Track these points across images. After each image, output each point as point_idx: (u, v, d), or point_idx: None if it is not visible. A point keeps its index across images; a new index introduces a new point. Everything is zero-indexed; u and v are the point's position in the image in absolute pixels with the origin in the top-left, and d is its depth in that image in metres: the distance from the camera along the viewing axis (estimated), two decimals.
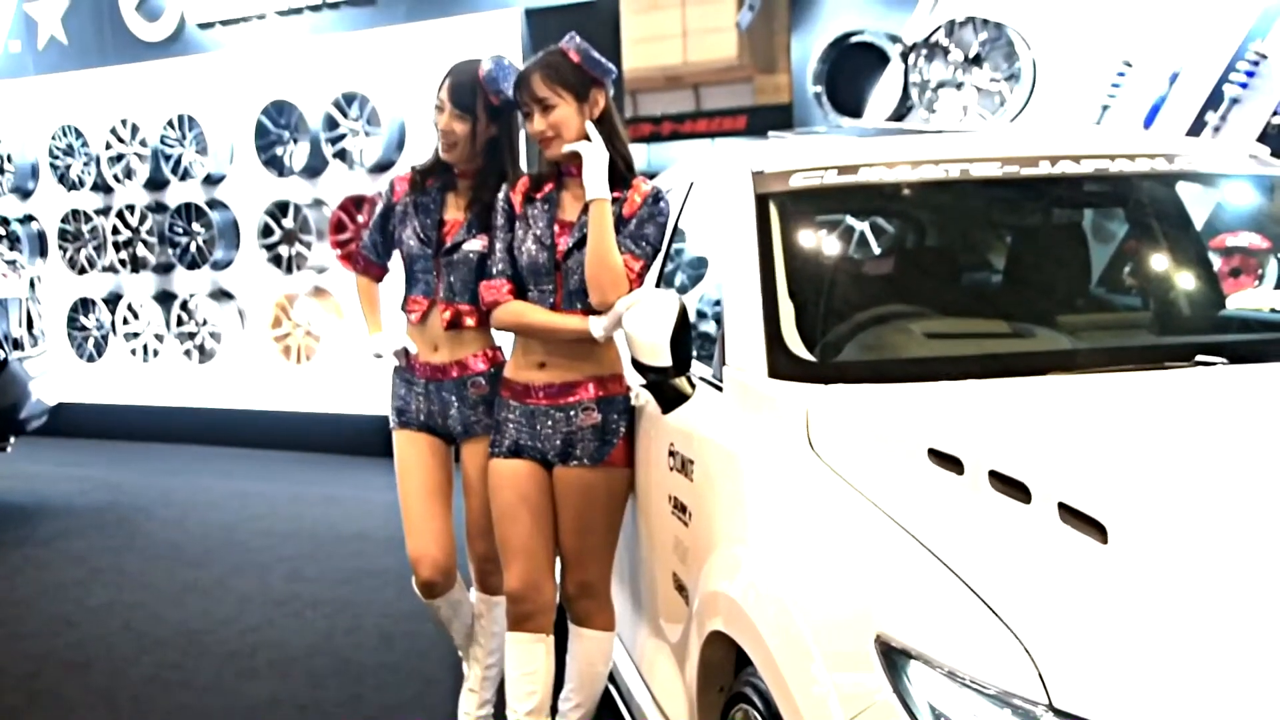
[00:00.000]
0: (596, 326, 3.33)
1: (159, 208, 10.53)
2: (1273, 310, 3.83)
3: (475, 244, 3.63)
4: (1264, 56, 7.07)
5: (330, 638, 5.45)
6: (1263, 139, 6.96)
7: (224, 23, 10.15)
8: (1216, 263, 4.99)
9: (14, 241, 10.94)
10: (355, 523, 7.53)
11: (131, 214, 10.59)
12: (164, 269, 10.57)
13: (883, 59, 8.03)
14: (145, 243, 10.56)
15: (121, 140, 10.53)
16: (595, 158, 3.33)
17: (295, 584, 6.32)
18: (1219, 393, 2.75)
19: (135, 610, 5.94)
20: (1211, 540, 2.00)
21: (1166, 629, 1.84)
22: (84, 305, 11.04)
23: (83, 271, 10.91)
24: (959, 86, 7.80)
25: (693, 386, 3.16)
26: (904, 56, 7.93)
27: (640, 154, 15.09)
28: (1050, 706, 1.78)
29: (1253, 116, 7.11)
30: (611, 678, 3.84)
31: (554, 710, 3.62)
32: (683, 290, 3.84)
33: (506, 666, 3.60)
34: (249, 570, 6.61)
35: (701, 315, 3.50)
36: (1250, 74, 7.11)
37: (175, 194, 10.42)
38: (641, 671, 3.65)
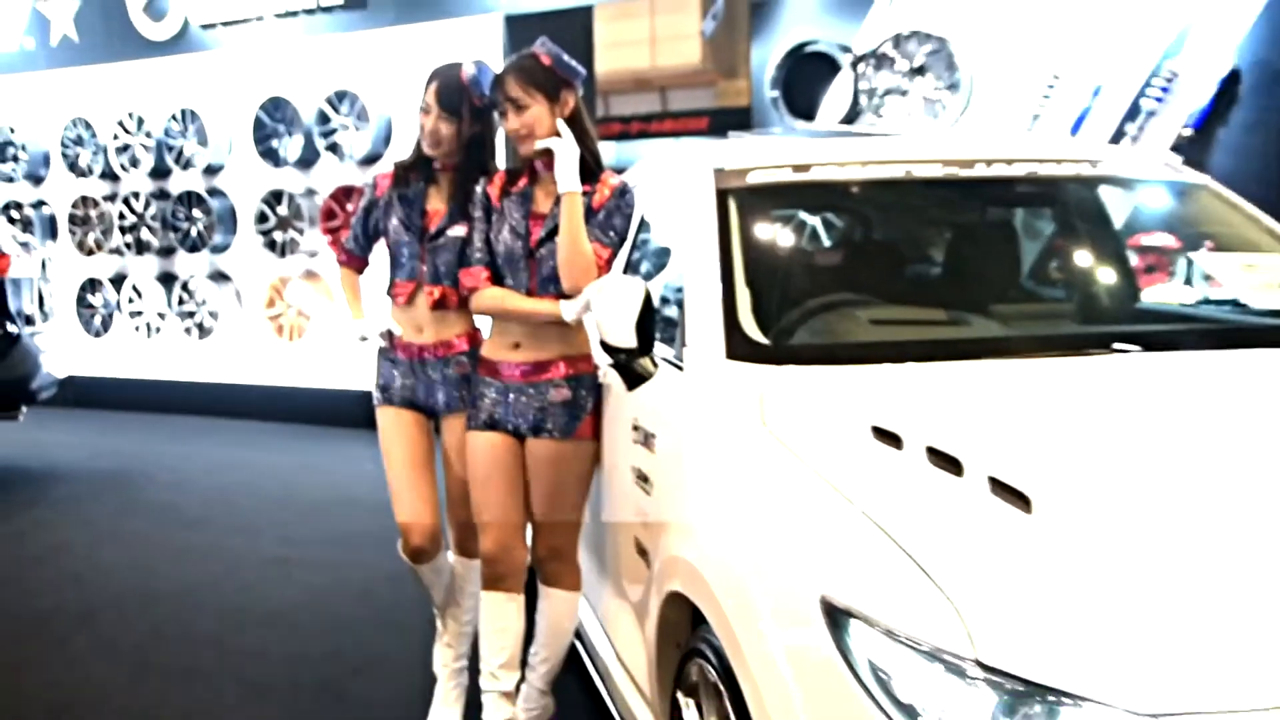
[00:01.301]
0: (567, 310, 3.32)
1: (162, 195, 10.45)
2: (1182, 304, 3.87)
3: (458, 230, 3.60)
4: (1176, 75, 7.13)
5: (316, 595, 5.44)
6: (1175, 149, 7.02)
7: (225, 24, 10.07)
8: (1133, 260, 5.03)
9: (27, 225, 10.92)
10: (340, 489, 7.51)
11: (136, 200, 10.54)
12: (166, 252, 10.51)
13: (834, 67, 8.03)
14: (149, 227, 10.52)
15: (128, 132, 10.48)
16: (566, 154, 3.31)
17: (284, 545, 6.30)
18: (1134, 378, 2.77)
19: (138, 569, 5.92)
20: (1126, 509, 2.03)
21: (1084, 590, 1.85)
22: (91, 285, 10.97)
23: (90, 253, 10.86)
24: (904, 94, 7.82)
25: (655, 366, 3.15)
26: (854, 66, 7.94)
27: (610, 151, 15.08)
28: (977, 661, 1.79)
29: (1166, 128, 7.16)
30: (578, 634, 3.84)
31: (524, 663, 3.62)
32: (648, 277, 3.83)
33: (480, 623, 3.59)
34: (242, 532, 6.59)
35: (665, 301, 3.49)
36: (1165, 90, 7.17)
37: (177, 182, 10.35)
38: (605, 629, 3.66)
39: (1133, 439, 2.34)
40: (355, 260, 3.92)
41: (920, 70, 7.75)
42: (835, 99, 8.04)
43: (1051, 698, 1.75)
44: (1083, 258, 3.85)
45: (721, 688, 2.35)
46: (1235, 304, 3.52)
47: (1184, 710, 1.70)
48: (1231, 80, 7.09)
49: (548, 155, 3.36)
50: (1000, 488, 2.08)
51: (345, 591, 5.46)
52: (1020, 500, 2.03)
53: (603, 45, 9.81)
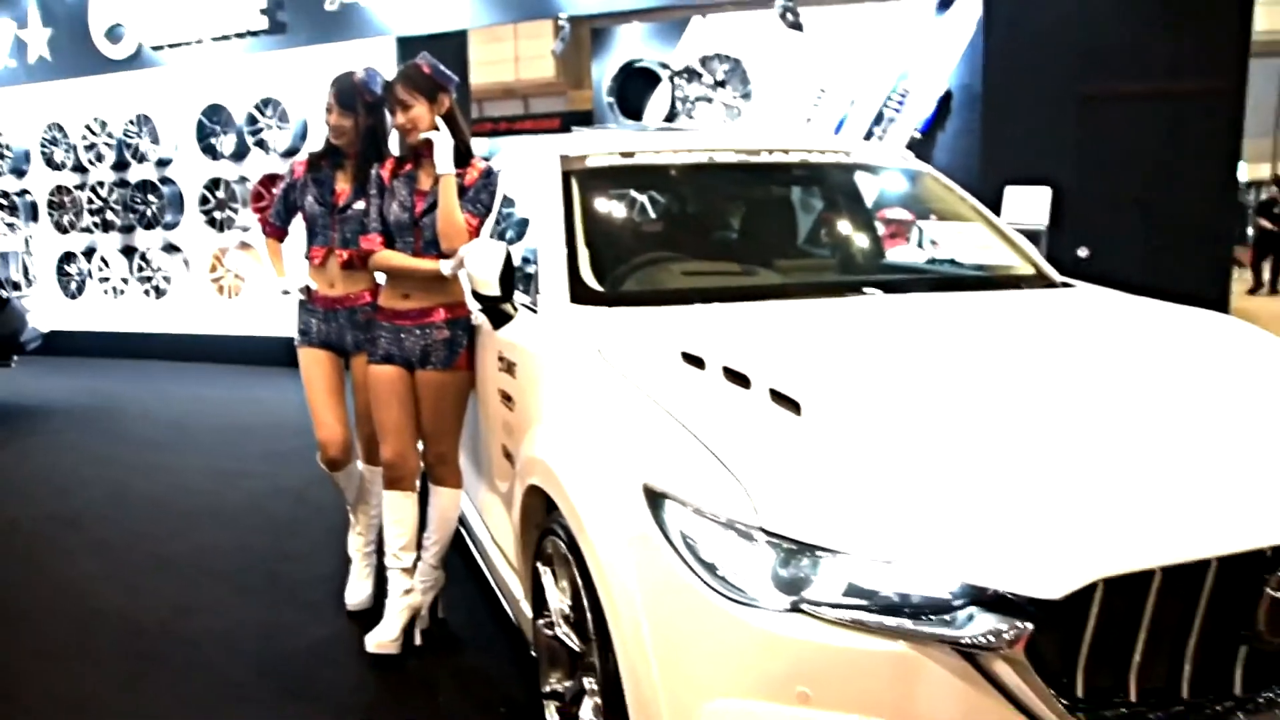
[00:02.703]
0: (445, 267, 3.25)
1: (123, 184, 9.98)
2: (914, 262, 3.94)
3: (360, 205, 3.51)
4: (908, 92, 7.29)
5: (258, 499, 5.29)
6: (909, 147, 7.18)
7: (171, 45, 9.59)
8: (881, 229, 5.12)
9: (13, 209, 10.43)
10: (273, 416, 7.26)
11: (102, 188, 10.08)
12: (127, 230, 10.04)
13: (656, 80, 7.99)
14: (113, 210, 10.05)
15: (94, 133, 10.04)
16: (443, 144, 3.23)
17: (231, 461, 6.10)
18: (878, 313, 2.80)
19: (115, 483, 5.69)
20: (874, 407, 2.04)
21: (839, 471, 1.86)
22: (67, 257, 10.43)
23: (65, 232, 10.35)
24: (710, 101, 7.83)
25: (516, 310, 3.10)
26: (672, 79, 7.91)
27: (484, 145, 14.89)
28: (760, 528, 1.79)
29: (902, 131, 7.33)
30: (461, 521, 3.78)
31: (419, 545, 3.55)
32: (512, 242, 3.75)
33: (384, 516, 3.53)
34: (197, 452, 6.38)
35: (526, 261, 3.42)
36: (900, 103, 7.33)
37: (135, 173, 9.89)
38: (482, 516, 3.61)
39: (879, 356, 2.37)
40: (278, 232, 3.79)
41: (722, 83, 7.75)
42: (658, 104, 8.00)
43: (815, 553, 1.76)
44: (843, 226, 3.89)
45: (570, 557, 2.32)
46: (951, 261, 3.60)
47: (901, 556, 1.73)
48: (946, 98, 7.28)
49: (428, 145, 3.28)
50: (778, 396, 2.07)
51: (279, 496, 5.31)
52: (793, 406, 2.03)
53: (476, 63, 9.66)
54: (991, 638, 1.67)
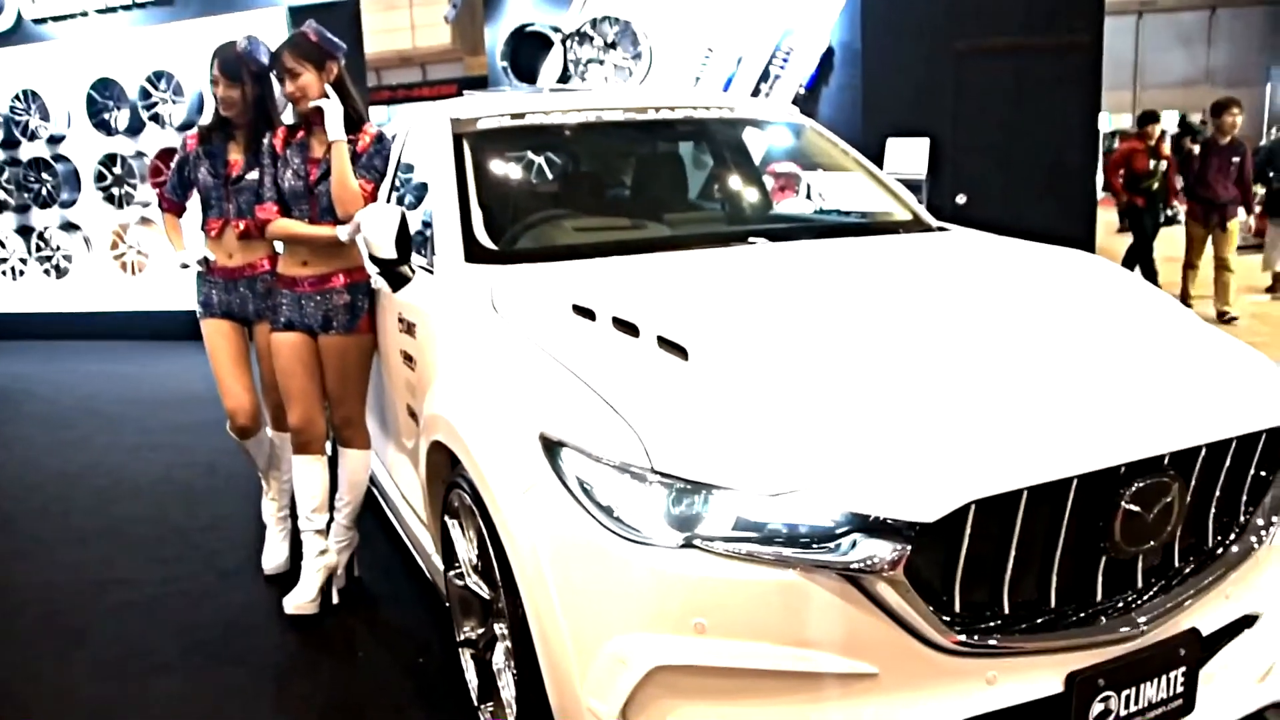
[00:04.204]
0: (342, 233, 3.16)
1: (14, 162, 9.39)
2: (801, 212, 3.96)
3: (254, 175, 3.39)
4: (793, 50, 7.31)
5: (171, 471, 5.13)
6: (795, 102, 7.21)
7: (54, 18, 9.05)
8: (771, 182, 5.14)
9: None
10: (182, 388, 7.01)
11: None
12: (22, 209, 9.47)
13: (548, 44, 7.86)
14: (5, 189, 9.45)
15: None
16: (333, 111, 3.14)
17: (142, 435, 5.90)
18: (763, 260, 2.81)
19: (25, 462, 5.46)
20: (759, 350, 2.04)
21: (725, 412, 1.86)
22: None
23: None
24: (601, 63, 7.73)
25: (413, 272, 3.03)
26: (563, 42, 7.79)
27: (383, 113, 14.49)
28: (652, 469, 1.79)
29: (788, 88, 7.35)
30: (372, 480, 3.72)
31: (332, 507, 3.48)
32: (411, 207, 3.67)
33: (295, 481, 3.45)
34: (107, 427, 6.15)
35: (426, 225, 3.35)
36: (785, 61, 7.34)
37: (27, 151, 9.31)
38: (391, 475, 3.55)
39: (762, 300, 2.37)
40: (175, 206, 3.66)
41: (612, 45, 7.66)
42: (551, 67, 7.88)
43: (705, 490, 1.77)
44: (731, 180, 3.87)
45: (474, 509, 2.29)
46: (837, 211, 3.62)
47: (787, 489, 1.74)
48: (828, 55, 7.31)
49: (319, 112, 3.18)
50: (665, 343, 2.06)
51: (192, 467, 5.15)
52: (680, 351, 2.03)
53: (370, 31, 9.38)
54: (873, 561, 1.71)
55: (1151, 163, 8.78)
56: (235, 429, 3.58)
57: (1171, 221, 10.61)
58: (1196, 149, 8.68)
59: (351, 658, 3.12)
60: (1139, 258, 9.14)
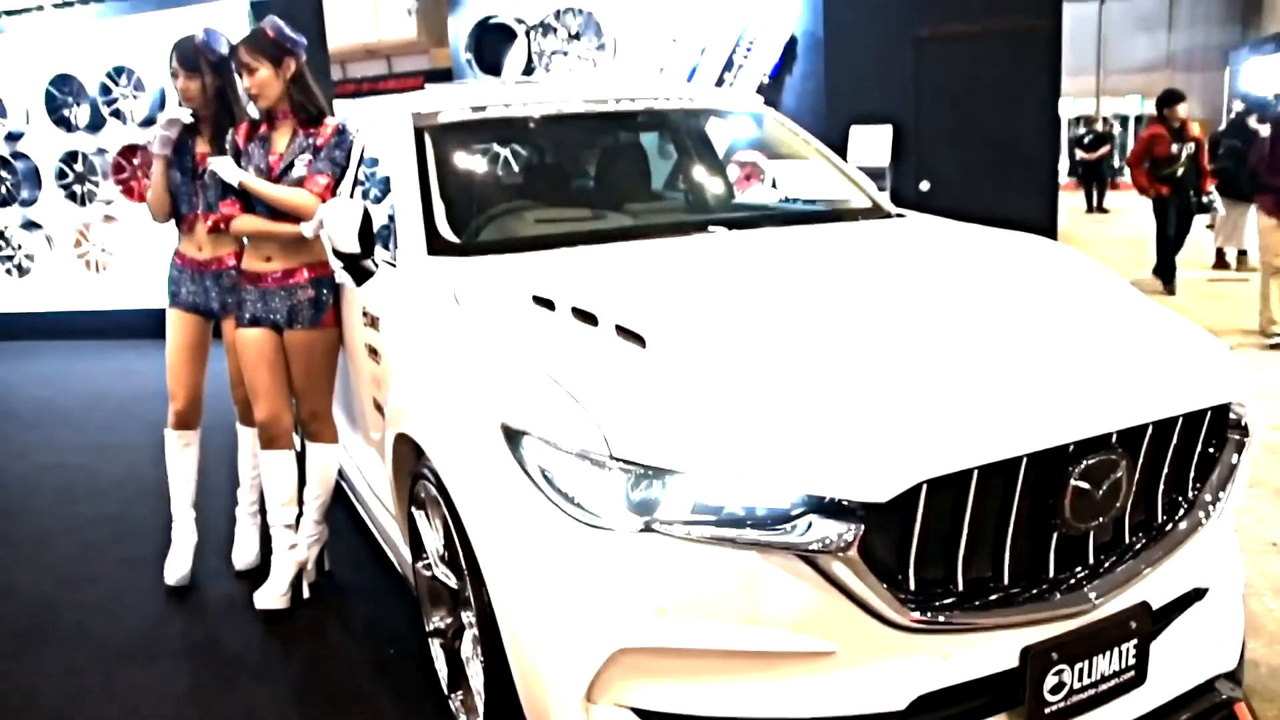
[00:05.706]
0: (306, 229, 3.14)
1: None
2: (763, 200, 3.98)
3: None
4: (756, 39, 7.34)
5: (133, 469, 5.08)
6: (758, 91, 7.24)
7: (7, 13, 8.90)
8: (736, 171, 5.16)
9: None
10: (147, 387, 6.89)
11: None
12: None
13: (513, 35, 7.84)
14: None
15: None
16: (222, 168, 3.18)
17: (106, 434, 5.85)
18: (723, 249, 2.83)
19: None
20: (716, 338, 2.06)
21: (681, 399, 1.88)
22: None
23: None
24: (565, 55, 7.73)
25: (376, 266, 3.03)
26: (527, 34, 7.77)
27: (349, 107, 14.37)
28: (611, 456, 1.81)
29: (752, 77, 7.37)
30: (341, 474, 3.72)
31: (301, 501, 3.48)
32: (376, 201, 3.66)
33: (263, 476, 3.45)
34: (71, 427, 6.10)
35: (390, 219, 3.35)
36: (749, 50, 7.37)
37: None
38: (358, 466, 3.55)
39: (719, 287, 2.39)
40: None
41: (577, 36, 7.66)
42: (514, 59, 7.86)
43: (663, 475, 1.79)
44: (693, 169, 3.89)
45: (440, 499, 2.30)
46: (799, 199, 3.65)
47: (748, 472, 1.77)
48: (791, 44, 7.35)
49: (283, 105, 3.20)
50: (623, 332, 2.08)
51: (157, 465, 5.00)
52: (638, 339, 2.05)
53: (334, 24, 9.31)
54: (828, 541, 1.74)
55: (1174, 146, 8.02)
56: (174, 413, 3.61)
57: (1205, 209, 9.15)
58: (1265, 129, 7.17)
59: (322, 651, 3.12)
60: (1163, 255, 8.29)
